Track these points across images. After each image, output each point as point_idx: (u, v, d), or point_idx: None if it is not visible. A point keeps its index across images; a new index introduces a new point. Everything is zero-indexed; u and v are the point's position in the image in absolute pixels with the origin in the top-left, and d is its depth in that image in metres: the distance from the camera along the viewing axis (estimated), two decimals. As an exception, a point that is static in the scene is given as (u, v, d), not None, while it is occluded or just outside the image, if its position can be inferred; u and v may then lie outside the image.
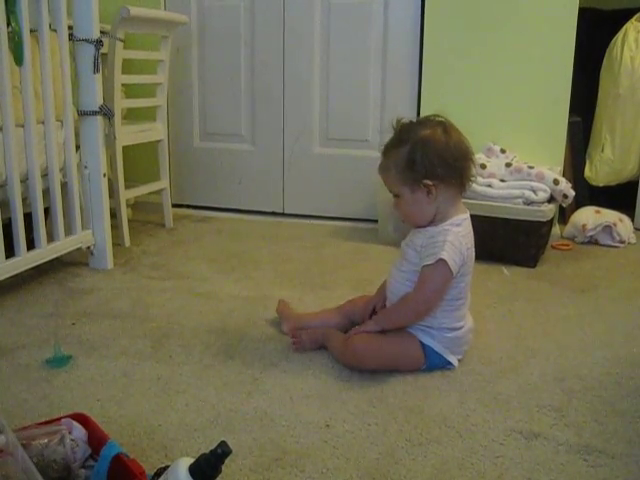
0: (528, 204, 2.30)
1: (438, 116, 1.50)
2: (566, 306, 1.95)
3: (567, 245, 2.60)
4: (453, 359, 1.51)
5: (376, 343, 1.48)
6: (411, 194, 1.45)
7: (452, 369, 1.51)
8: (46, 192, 2.04)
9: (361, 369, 1.47)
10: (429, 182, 1.42)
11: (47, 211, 2.07)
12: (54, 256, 2.07)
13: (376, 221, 2.73)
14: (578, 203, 2.77)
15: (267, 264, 2.33)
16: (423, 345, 1.49)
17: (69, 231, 2.13)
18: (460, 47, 2.67)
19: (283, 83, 2.98)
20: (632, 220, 2.79)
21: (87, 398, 1.36)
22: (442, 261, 1.41)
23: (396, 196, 1.48)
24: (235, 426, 1.26)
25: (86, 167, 2.17)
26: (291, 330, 1.67)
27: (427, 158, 1.42)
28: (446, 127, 1.47)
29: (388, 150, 1.48)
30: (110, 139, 2.37)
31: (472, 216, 2.31)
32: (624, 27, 2.88)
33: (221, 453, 0.93)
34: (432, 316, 1.48)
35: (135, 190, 2.66)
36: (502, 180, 2.37)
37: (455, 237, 1.43)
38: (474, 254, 1.52)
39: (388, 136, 1.51)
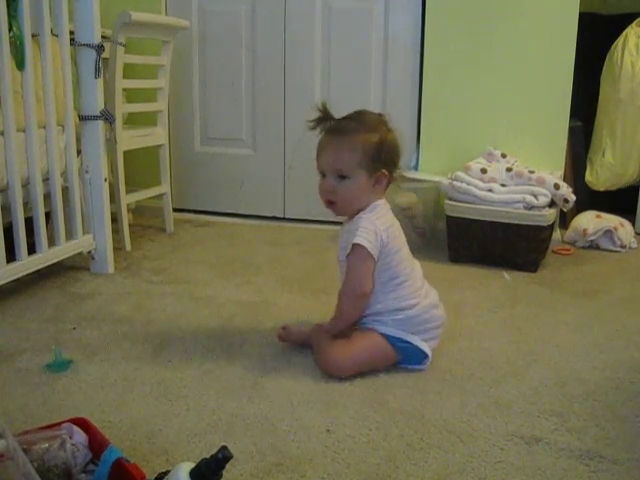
0: (529, 209, 2.30)
1: (384, 115, 1.55)
2: (567, 311, 1.95)
3: (568, 250, 2.60)
4: (417, 340, 1.50)
5: (343, 353, 1.48)
6: (366, 180, 1.47)
7: (427, 361, 1.51)
8: (47, 196, 2.04)
9: (340, 378, 1.47)
10: (385, 173, 1.48)
11: (48, 215, 2.07)
12: (55, 260, 2.07)
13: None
14: (579, 208, 2.77)
15: (268, 269, 2.33)
16: (382, 336, 1.49)
17: (70, 235, 2.13)
18: (461, 52, 2.67)
19: (284, 87, 2.99)
20: (633, 225, 2.79)
21: (88, 402, 1.36)
22: (356, 245, 1.46)
23: (341, 177, 1.48)
24: (236, 431, 1.26)
25: (87, 172, 2.17)
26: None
27: (392, 152, 1.49)
28: (394, 129, 1.53)
29: (354, 131, 1.47)
30: (111, 144, 2.38)
31: (473, 220, 2.36)
32: (624, 32, 2.88)
33: (222, 458, 0.93)
34: (376, 302, 1.50)
35: (136, 195, 2.66)
36: (503, 185, 2.37)
37: (367, 221, 1.47)
38: (400, 232, 1.55)
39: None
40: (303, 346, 1.64)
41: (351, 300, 1.52)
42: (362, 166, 1.46)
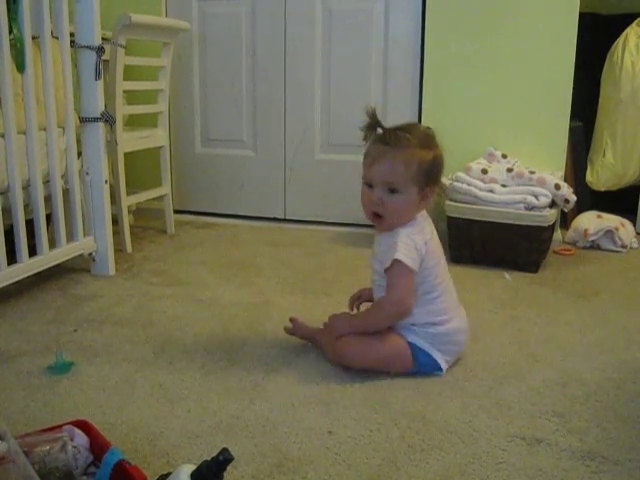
0: (530, 209, 2.30)
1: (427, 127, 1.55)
2: (568, 311, 1.95)
3: (569, 250, 2.60)
4: (439, 357, 1.50)
5: (364, 344, 1.48)
6: (416, 195, 1.45)
7: (440, 374, 1.50)
8: (48, 199, 2.04)
9: (350, 367, 1.48)
10: (434, 189, 1.48)
11: (49, 217, 2.08)
12: (56, 263, 2.07)
13: (377, 226, 2.73)
14: (580, 208, 2.77)
15: (269, 270, 2.33)
16: (409, 344, 1.49)
17: (71, 237, 2.13)
18: (461, 52, 2.67)
19: (284, 89, 2.99)
20: (634, 225, 2.79)
21: (89, 405, 1.36)
22: (396, 261, 1.43)
23: (391, 190, 1.45)
24: (237, 432, 1.26)
25: (88, 173, 2.17)
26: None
27: (441, 170, 1.49)
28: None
29: (411, 146, 1.44)
30: (112, 145, 2.38)
31: (474, 221, 2.35)
32: (625, 32, 2.88)
33: (223, 460, 0.93)
34: (410, 314, 1.49)
35: (137, 196, 2.66)
36: (504, 185, 2.37)
37: (405, 236, 1.45)
38: (438, 245, 1.54)
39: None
40: (306, 345, 1.65)
41: (391, 313, 1.50)
42: (415, 182, 1.44)
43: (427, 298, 1.49)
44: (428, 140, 1.48)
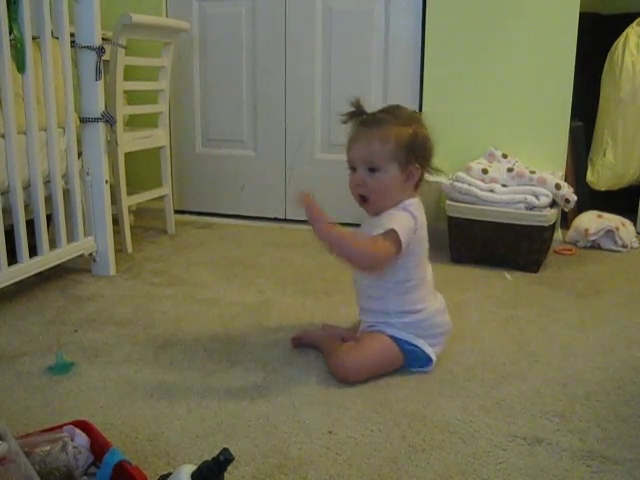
0: (530, 209, 2.30)
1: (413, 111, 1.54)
2: (569, 311, 1.95)
3: (569, 250, 2.60)
4: (423, 344, 1.49)
5: (355, 357, 1.47)
6: (398, 172, 1.44)
7: (431, 364, 1.50)
8: (48, 199, 2.04)
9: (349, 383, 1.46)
10: (418, 167, 1.45)
11: (49, 218, 2.08)
12: (56, 263, 2.07)
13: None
14: (580, 208, 2.77)
15: (269, 270, 2.33)
16: (393, 338, 1.49)
17: (71, 238, 2.13)
18: (461, 52, 2.67)
19: (285, 89, 2.99)
20: (634, 224, 2.79)
21: (89, 405, 1.36)
22: (392, 230, 1.40)
23: (372, 170, 1.45)
24: (238, 433, 1.26)
25: (88, 174, 2.17)
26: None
27: (425, 146, 1.46)
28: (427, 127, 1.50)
29: (386, 123, 1.45)
30: (112, 146, 2.38)
31: (474, 221, 2.35)
32: (625, 32, 2.88)
33: (223, 460, 0.93)
34: (387, 300, 1.49)
35: (137, 196, 2.66)
36: (504, 185, 2.37)
37: (404, 216, 1.44)
38: (425, 235, 1.51)
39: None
40: (309, 347, 1.65)
41: (366, 253, 1.42)
42: (394, 158, 1.43)
43: (406, 286, 1.49)
44: (408, 117, 1.47)
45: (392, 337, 1.49)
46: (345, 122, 1.50)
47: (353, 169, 1.49)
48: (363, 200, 1.50)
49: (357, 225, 2.91)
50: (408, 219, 1.44)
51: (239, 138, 3.11)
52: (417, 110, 2.80)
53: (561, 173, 2.58)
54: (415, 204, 1.48)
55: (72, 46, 2.05)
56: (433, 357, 1.51)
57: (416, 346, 1.49)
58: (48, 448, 1.03)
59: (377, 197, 1.48)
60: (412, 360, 1.50)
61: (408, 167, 1.45)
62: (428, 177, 1.51)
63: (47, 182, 2.04)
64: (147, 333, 1.75)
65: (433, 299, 1.55)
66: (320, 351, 1.62)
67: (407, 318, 1.49)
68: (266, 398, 1.39)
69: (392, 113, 1.48)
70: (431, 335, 1.52)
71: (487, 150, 2.59)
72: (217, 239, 2.79)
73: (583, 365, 1.57)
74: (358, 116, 1.49)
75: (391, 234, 1.41)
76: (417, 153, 1.45)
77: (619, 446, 1.22)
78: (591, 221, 2.66)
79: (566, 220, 2.80)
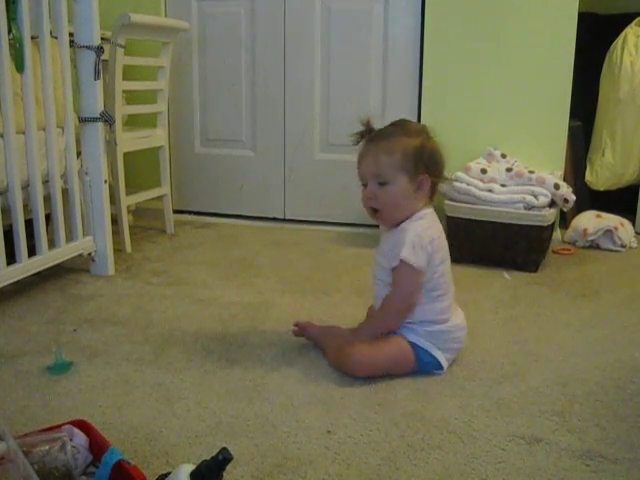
0: (529, 209, 2.30)
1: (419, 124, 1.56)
2: (567, 311, 1.95)
3: (568, 250, 2.60)
4: (440, 356, 1.49)
5: (368, 353, 1.47)
6: (405, 184, 1.45)
7: (441, 374, 1.50)
8: (47, 199, 2.04)
9: (356, 377, 1.47)
10: (427, 177, 1.45)
11: (48, 217, 2.08)
12: (55, 263, 2.07)
13: (377, 226, 2.72)
14: (579, 207, 2.77)
15: (268, 270, 2.33)
16: (410, 344, 1.49)
17: (70, 237, 2.13)
18: (460, 52, 2.67)
19: (284, 89, 2.99)
20: (633, 224, 2.79)
21: (88, 405, 1.36)
22: (404, 262, 1.43)
23: (381, 183, 1.46)
24: (236, 432, 1.26)
25: (87, 173, 2.17)
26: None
27: (433, 156, 1.47)
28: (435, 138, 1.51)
29: (393, 136, 1.47)
30: (111, 145, 2.38)
31: (473, 221, 2.36)
32: (624, 32, 2.88)
33: (222, 459, 0.93)
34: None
35: (136, 196, 2.66)
36: (503, 185, 2.37)
37: (414, 234, 1.44)
38: (445, 244, 1.52)
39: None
40: (305, 344, 1.65)
41: (399, 312, 1.50)
42: (402, 169, 1.44)
43: (431, 296, 1.49)
44: (414, 129, 1.49)
45: (412, 343, 1.49)
46: (356, 143, 1.51)
47: (364, 185, 1.50)
48: (375, 213, 1.51)
49: (357, 225, 2.93)
50: (417, 235, 1.44)
51: (238, 138, 3.11)
52: (412, 109, 2.81)
53: (560, 173, 2.58)
54: (430, 214, 1.50)
55: (71, 46, 2.05)
56: (445, 367, 1.51)
57: (433, 356, 1.49)
58: (47, 448, 1.03)
59: (389, 209, 1.49)
60: (425, 368, 1.50)
61: (417, 177, 1.45)
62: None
63: (46, 182, 2.04)
64: (146, 333, 1.74)
65: (456, 312, 1.56)
66: (320, 348, 1.62)
67: (432, 327, 1.49)
68: (265, 398, 1.39)
69: (399, 126, 1.50)
70: (449, 349, 1.52)
71: (486, 150, 2.60)
72: (216, 239, 2.79)
73: (582, 365, 1.57)
74: (368, 135, 1.50)
75: (405, 268, 1.44)
76: (425, 162, 1.45)
77: (618, 446, 1.23)
78: (590, 221, 2.67)
79: (565, 220, 2.80)
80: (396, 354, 1.48)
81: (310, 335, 1.67)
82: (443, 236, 1.52)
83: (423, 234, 1.45)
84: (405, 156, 1.44)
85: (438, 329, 1.50)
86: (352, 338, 1.54)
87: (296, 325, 1.70)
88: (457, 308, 1.58)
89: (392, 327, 1.52)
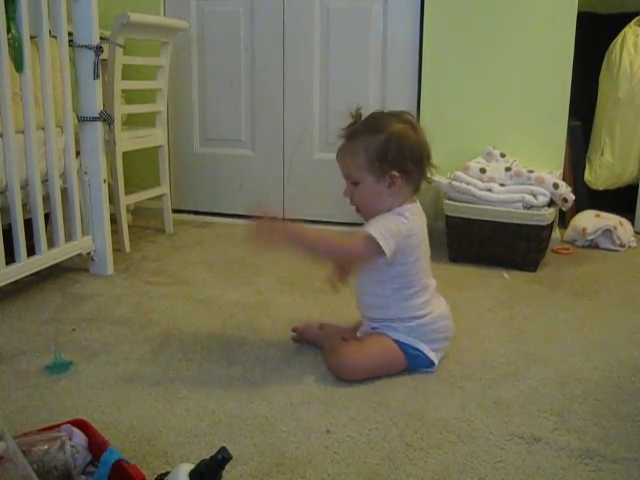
0: (528, 208, 2.30)
1: (407, 112, 1.50)
2: (566, 310, 1.95)
3: (567, 249, 2.60)
4: (425, 349, 1.49)
5: (357, 357, 1.47)
6: (373, 183, 1.44)
7: (434, 367, 1.50)
8: (46, 198, 2.04)
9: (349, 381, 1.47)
10: (396, 174, 1.43)
11: (47, 217, 2.07)
12: (54, 262, 2.07)
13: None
14: (578, 207, 2.77)
15: (267, 269, 2.33)
16: (396, 342, 1.49)
17: (69, 237, 2.13)
18: (459, 52, 2.67)
19: (283, 88, 2.99)
20: (632, 224, 2.79)
21: (87, 404, 1.36)
22: (367, 235, 1.40)
23: (354, 183, 1.47)
24: (235, 432, 1.26)
25: (86, 173, 2.17)
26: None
27: (400, 151, 1.42)
28: (414, 125, 1.47)
29: (358, 135, 1.45)
30: (110, 145, 2.38)
31: (472, 220, 2.35)
32: (623, 31, 2.88)
33: (221, 459, 0.93)
34: (388, 308, 1.49)
35: (135, 196, 2.66)
36: (502, 184, 2.37)
37: (386, 218, 1.43)
38: (423, 241, 1.51)
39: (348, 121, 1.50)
40: (304, 344, 1.66)
41: (336, 249, 1.48)
42: (367, 170, 1.43)
43: (405, 293, 1.49)
44: (381, 124, 1.45)
45: (396, 341, 1.49)
46: (344, 136, 1.50)
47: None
48: (357, 209, 1.52)
49: (356, 225, 2.92)
50: (396, 224, 1.43)
51: (237, 137, 3.11)
52: (411, 109, 2.80)
53: (559, 172, 2.58)
54: (411, 209, 1.48)
55: (70, 45, 2.05)
56: (435, 361, 1.51)
57: (419, 350, 1.49)
58: (46, 447, 1.03)
59: (364, 207, 1.50)
60: (415, 364, 1.50)
61: (384, 175, 1.43)
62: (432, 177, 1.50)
63: (45, 181, 2.04)
64: (145, 332, 1.74)
65: (437, 303, 1.55)
66: (319, 349, 1.62)
67: (410, 323, 1.49)
68: (264, 397, 1.39)
69: (367, 122, 1.47)
70: (433, 340, 1.52)
71: (485, 149, 2.60)
72: (215, 238, 2.79)
73: (581, 364, 1.58)
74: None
75: (366, 240, 1.41)
76: (391, 160, 1.42)
77: (617, 445, 1.23)
78: (589, 220, 2.67)
79: (564, 219, 2.80)
80: (384, 354, 1.48)
81: (309, 338, 1.67)
82: (423, 233, 1.50)
83: (403, 226, 1.43)
84: (368, 156, 1.43)
85: (417, 323, 1.49)
86: (331, 338, 1.55)
87: (294, 330, 1.69)
88: (439, 297, 1.57)
89: (318, 250, 1.48)
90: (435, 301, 1.54)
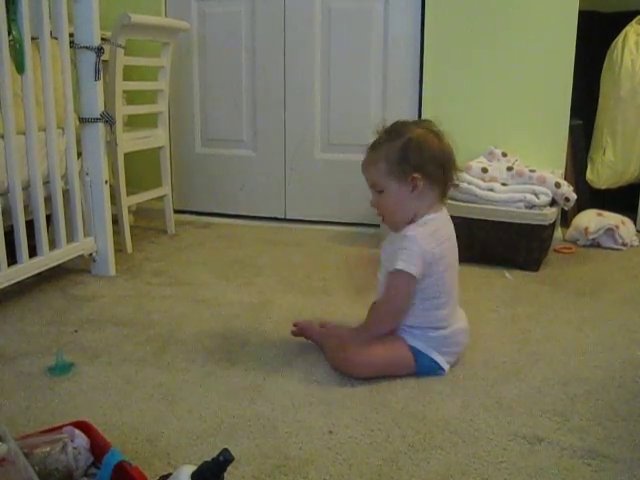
0: (530, 208, 2.30)
1: (428, 121, 1.53)
2: (569, 310, 1.95)
3: (569, 248, 2.60)
4: (441, 360, 1.49)
5: (367, 354, 1.47)
6: (397, 188, 1.45)
7: (443, 375, 1.50)
8: (48, 199, 2.04)
9: (354, 377, 1.47)
10: (417, 176, 1.43)
11: (49, 218, 2.07)
12: (56, 263, 2.07)
13: (378, 226, 2.73)
14: (580, 206, 2.77)
15: (269, 270, 2.33)
16: (410, 347, 1.48)
17: (71, 238, 2.13)
18: (461, 51, 2.67)
19: (284, 88, 2.99)
20: (634, 223, 2.79)
21: (89, 405, 1.36)
22: (398, 270, 1.42)
23: (379, 192, 1.48)
24: (238, 433, 1.26)
25: (87, 174, 2.17)
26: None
27: (420, 153, 1.43)
28: (436, 131, 1.49)
29: (379, 144, 1.47)
30: (111, 146, 2.38)
31: (474, 220, 2.36)
32: (624, 30, 2.88)
33: (223, 460, 0.93)
34: (413, 316, 1.48)
35: (137, 197, 2.66)
36: (504, 184, 2.37)
37: (412, 242, 1.43)
38: (452, 250, 1.51)
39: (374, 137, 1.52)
40: (306, 345, 1.65)
41: (388, 317, 1.51)
42: (389, 176, 1.44)
43: (431, 304, 1.48)
44: (398, 130, 1.47)
45: (413, 347, 1.48)
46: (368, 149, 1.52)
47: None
48: (383, 220, 1.53)
49: (358, 224, 2.93)
50: (417, 245, 1.42)
51: (239, 138, 3.11)
52: (413, 109, 2.80)
53: (561, 172, 2.58)
54: (434, 220, 1.47)
55: (71, 46, 2.05)
56: (446, 370, 1.51)
57: (434, 361, 1.49)
58: (48, 449, 1.03)
59: (389, 215, 1.51)
60: (424, 369, 1.50)
61: (406, 179, 1.43)
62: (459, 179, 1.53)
63: (46, 182, 2.04)
64: (147, 333, 1.74)
65: (458, 316, 1.55)
66: (320, 347, 1.62)
67: (433, 333, 1.49)
68: (266, 398, 1.39)
69: (386, 131, 1.49)
70: (450, 352, 1.52)
71: (487, 149, 2.59)
72: (217, 239, 2.79)
73: (583, 364, 1.57)
74: None
75: (398, 276, 1.43)
76: (412, 162, 1.43)
77: (620, 445, 1.22)
78: (591, 220, 2.66)
79: (566, 219, 2.80)
80: (393, 356, 1.48)
81: (310, 336, 1.67)
82: (452, 242, 1.51)
83: (423, 242, 1.43)
84: (388, 162, 1.44)
85: (439, 334, 1.49)
86: (349, 339, 1.54)
87: (295, 325, 1.70)
88: (460, 311, 1.57)
89: (382, 330, 1.51)
90: (457, 313, 1.55)
